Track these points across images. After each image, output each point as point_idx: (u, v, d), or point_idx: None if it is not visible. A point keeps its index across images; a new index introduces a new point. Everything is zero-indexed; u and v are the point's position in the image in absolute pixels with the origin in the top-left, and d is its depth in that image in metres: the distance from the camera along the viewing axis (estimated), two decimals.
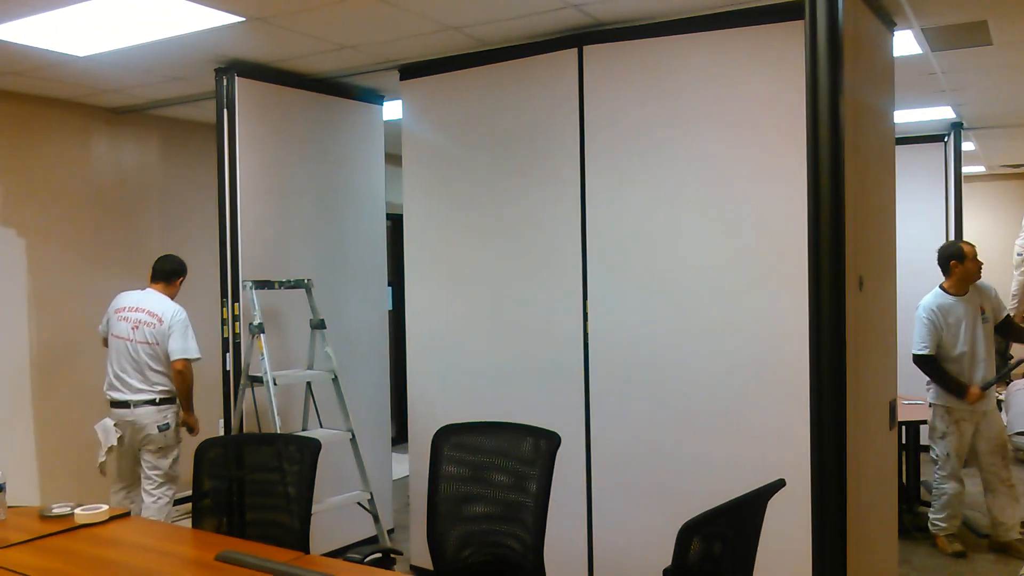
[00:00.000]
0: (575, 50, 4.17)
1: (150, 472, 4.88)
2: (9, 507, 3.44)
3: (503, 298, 4.48)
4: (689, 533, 2.15)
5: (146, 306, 4.89)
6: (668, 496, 3.97)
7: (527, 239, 4.39)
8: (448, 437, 3.12)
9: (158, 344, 4.83)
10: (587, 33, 4.14)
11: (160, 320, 4.84)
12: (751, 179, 3.78)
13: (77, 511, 3.35)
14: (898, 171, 4.18)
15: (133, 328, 4.85)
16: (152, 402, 4.83)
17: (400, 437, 6.08)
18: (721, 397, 3.85)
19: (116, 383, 4.85)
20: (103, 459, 4.89)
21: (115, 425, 4.86)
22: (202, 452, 3.39)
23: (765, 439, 3.74)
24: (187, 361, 4.82)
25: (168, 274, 5.04)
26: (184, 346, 4.81)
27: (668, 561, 2.12)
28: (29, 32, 4.16)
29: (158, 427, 4.84)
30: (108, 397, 4.88)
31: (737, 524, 2.42)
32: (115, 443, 4.85)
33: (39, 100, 5.60)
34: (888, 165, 3.96)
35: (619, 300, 4.10)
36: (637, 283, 4.05)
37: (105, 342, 5.01)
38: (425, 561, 3.77)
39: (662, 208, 3.98)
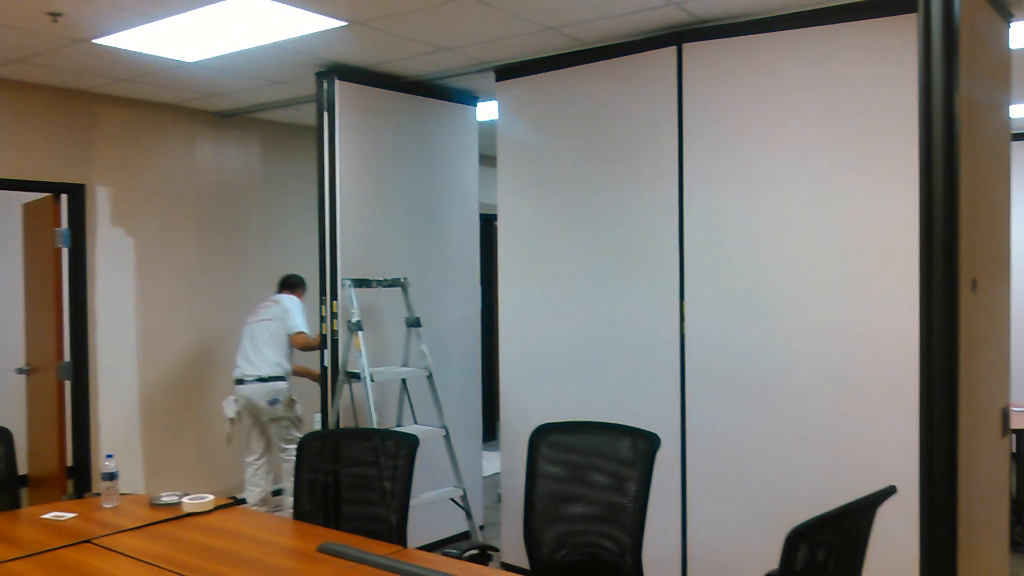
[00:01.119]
0: (674, 48, 4.13)
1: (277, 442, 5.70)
2: (121, 495, 3.59)
3: (598, 297, 4.47)
4: (798, 539, 2.10)
5: (269, 300, 5.81)
6: (766, 500, 3.89)
7: (623, 238, 4.37)
8: (545, 436, 3.12)
9: (272, 321, 5.60)
10: (686, 31, 4.09)
11: (277, 301, 5.70)
12: (858, 178, 3.67)
13: (184, 500, 3.47)
14: (1013, 168, 4.01)
15: (256, 311, 5.71)
16: (262, 379, 5.50)
17: (488, 435, 6.12)
18: (825, 401, 3.75)
19: (239, 362, 5.62)
20: (229, 431, 5.77)
21: (234, 400, 5.62)
22: (303, 445, 3.47)
23: (870, 445, 3.63)
24: (305, 334, 5.56)
25: (292, 286, 5.90)
26: (300, 323, 5.61)
27: (764, 564, 2.08)
28: (141, 40, 4.34)
29: (268, 401, 5.50)
30: (233, 376, 5.64)
31: (845, 531, 2.35)
32: (234, 416, 5.67)
33: (148, 105, 5.83)
34: (1003, 162, 3.80)
35: (718, 300, 4.04)
36: (737, 283, 3.98)
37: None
38: (516, 559, 3.80)
39: (764, 207, 3.91)
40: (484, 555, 2.98)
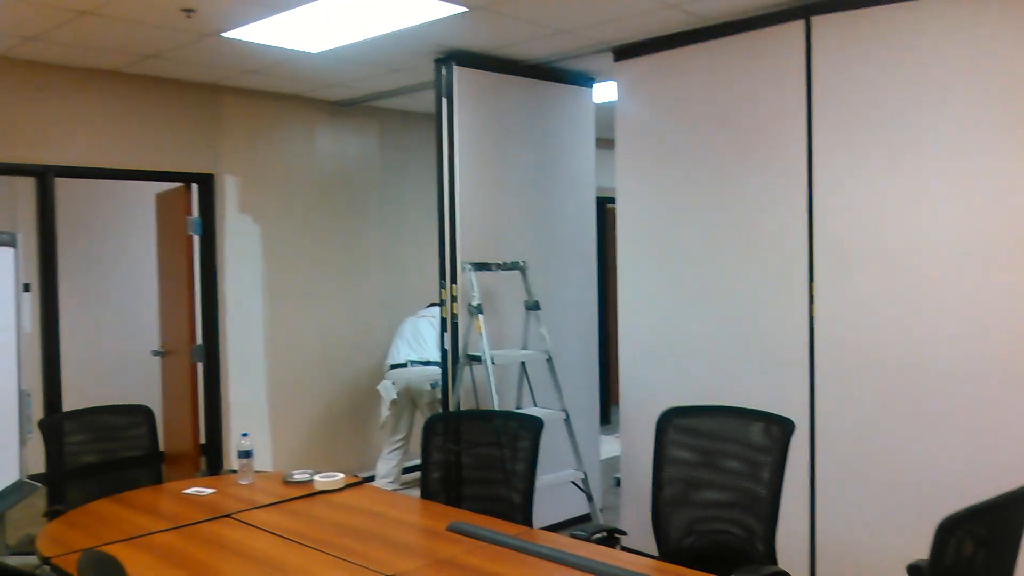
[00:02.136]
0: (802, 21, 3.98)
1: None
2: (255, 472, 3.73)
3: (721, 280, 4.37)
4: (950, 529, 2.01)
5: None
6: (904, 490, 3.73)
7: (747, 219, 4.26)
8: (673, 420, 3.07)
9: (436, 318, 5.62)
10: (815, 3, 3.94)
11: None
12: (1007, 150, 3.47)
13: (316, 478, 3.57)
14: None
15: (418, 312, 6.22)
16: (427, 362, 5.85)
17: (602, 418, 6.09)
18: (968, 389, 3.57)
19: (399, 348, 6.02)
20: (387, 414, 5.93)
21: (392, 383, 5.87)
22: (430, 426, 3.53)
23: (1021, 437, 3.44)
24: None
25: None
26: None
27: (899, 556, 2.00)
28: (267, 33, 4.46)
29: (431, 384, 5.78)
30: (390, 362, 6.00)
31: (997, 524, 2.23)
32: (396, 398, 5.87)
33: (271, 96, 6.01)
34: None
35: (852, 281, 3.88)
36: (872, 264, 3.82)
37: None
38: (638, 543, 3.76)
39: (901, 184, 3.73)
40: (611, 538, 2.96)
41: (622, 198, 4.82)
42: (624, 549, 4.56)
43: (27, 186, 6.56)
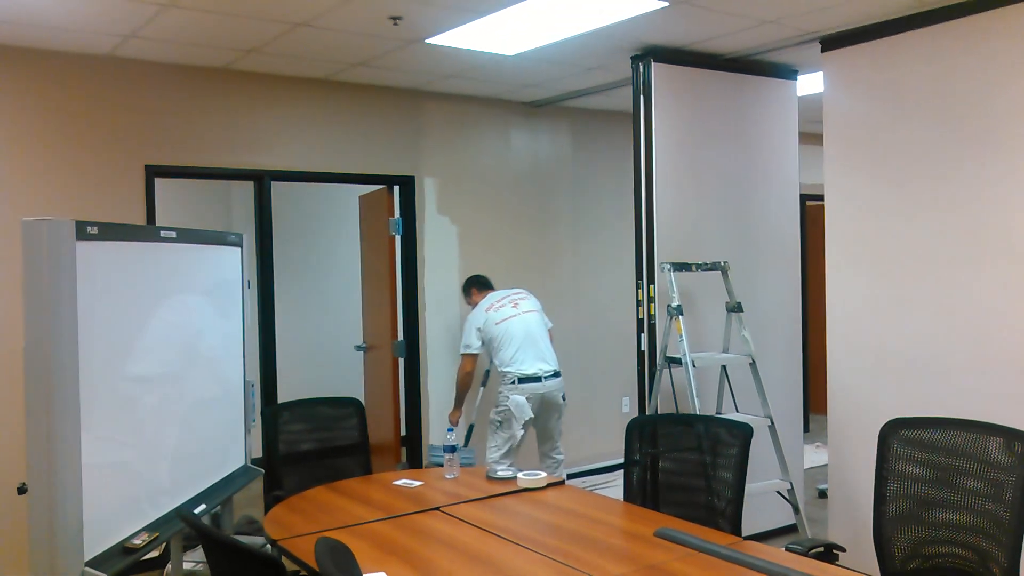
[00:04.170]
0: None
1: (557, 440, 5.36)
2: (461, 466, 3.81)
3: (943, 283, 4.06)
4: None
5: (511, 292, 5.49)
6: None
7: (975, 217, 3.93)
8: (898, 431, 2.87)
9: (536, 312, 5.39)
10: None
11: (521, 293, 5.49)
12: None
13: (519, 475, 3.60)
14: None
15: (503, 306, 5.33)
16: (557, 373, 5.23)
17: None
18: None
19: (526, 358, 5.17)
20: (522, 435, 5.12)
21: (527, 399, 5.08)
22: (631, 428, 3.48)
23: None
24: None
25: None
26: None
27: None
28: (467, 37, 4.56)
29: (562, 396, 5.26)
30: (519, 374, 5.12)
31: None
32: (533, 415, 5.13)
33: (467, 99, 6.14)
34: None
35: None
36: None
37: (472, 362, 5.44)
38: (849, 561, 3.55)
39: None
40: (830, 553, 2.80)
41: (832, 196, 4.57)
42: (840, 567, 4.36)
43: (240, 190, 7.06)
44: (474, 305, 5.52)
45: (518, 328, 5.22)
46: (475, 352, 5.33)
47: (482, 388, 5.60)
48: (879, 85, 4.34)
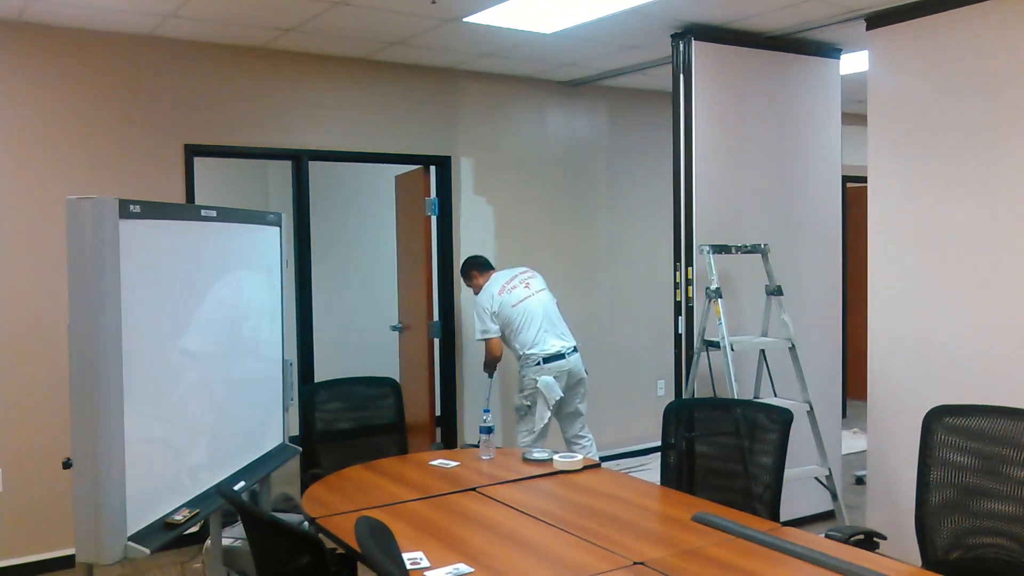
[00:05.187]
0: None
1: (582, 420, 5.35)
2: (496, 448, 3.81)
3: (991, 266, 3.98)
4: None
5: (518, 272, 5.40)
6: None
7: None
8: (943, 419, 2.82)
9: (545, 291, 5.32)
10: None
11: (528, 272, 5.41)
12: None
13: (556, 457, 3.60)
14: None
15: (514, 287, 5.25)
16: (576, 349, 5.20)
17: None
18: None
19: (547, 337, 5.14)
20: (550, 415, 5.10)
21: (555, 378, 5.07)
22: (669, 412, 3.46)
23: None
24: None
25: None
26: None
27: None
28: (505, 15, 4.52)
29: (586, 371, 5.22)
30: (544, 354, 5.09)
31: None
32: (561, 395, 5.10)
33: (504, 78, 6.10)
34: None
35: None
36: None
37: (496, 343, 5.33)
38: (888, 550, 3.50)
39: None
40: (870, 541, 2.76)
41: (875, 177, 4.49)
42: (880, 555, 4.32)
43: (277, 170, 7.09)
44: (477, 288, 5.41)
45: (535, 308, 5.18)
46: (495, 335, 5.25)
47: (490, 380, 5.52)
48: (926, 63, 4.24)
